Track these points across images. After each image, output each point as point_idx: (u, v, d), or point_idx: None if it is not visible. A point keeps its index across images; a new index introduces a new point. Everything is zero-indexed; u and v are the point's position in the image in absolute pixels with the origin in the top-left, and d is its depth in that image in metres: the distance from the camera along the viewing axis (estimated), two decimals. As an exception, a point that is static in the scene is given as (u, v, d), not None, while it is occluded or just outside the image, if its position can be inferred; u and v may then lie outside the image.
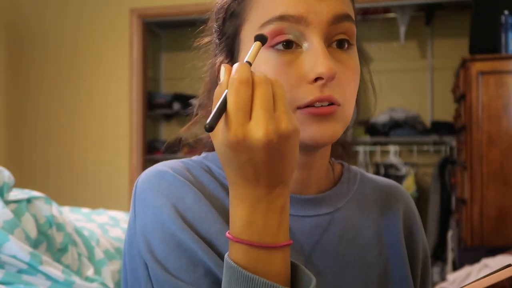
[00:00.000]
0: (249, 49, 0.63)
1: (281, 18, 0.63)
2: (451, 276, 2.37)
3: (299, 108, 0.64)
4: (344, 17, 0.64)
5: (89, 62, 4.06)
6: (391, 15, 4.33)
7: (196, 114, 0.80)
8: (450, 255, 3.69)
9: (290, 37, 0.63)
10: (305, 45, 0.64)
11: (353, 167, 0.82)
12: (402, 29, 4.21)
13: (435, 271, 4.15)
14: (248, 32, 0.66)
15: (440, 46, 4.42)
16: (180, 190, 0.67)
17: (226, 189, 0.70)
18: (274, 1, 0.63)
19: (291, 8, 0.62)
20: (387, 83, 4.52)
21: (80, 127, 4.07)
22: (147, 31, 4.11)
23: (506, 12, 2.89)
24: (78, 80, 4.07)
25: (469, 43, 3.15)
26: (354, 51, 0.67)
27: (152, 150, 4.62)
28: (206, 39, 0.77)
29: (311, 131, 0.63)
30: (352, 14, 0.67)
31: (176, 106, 4.58)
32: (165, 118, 4.99)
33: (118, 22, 3.98)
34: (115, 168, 4.01)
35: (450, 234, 3.78)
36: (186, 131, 0.79)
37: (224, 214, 0.67)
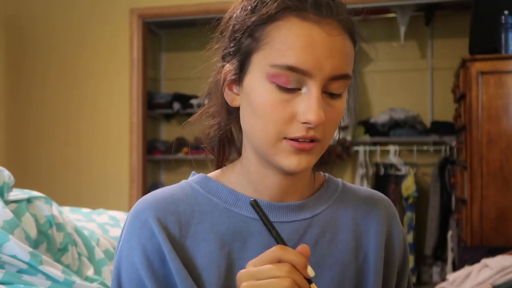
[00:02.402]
0: (257, 76, 0.73)
1: (291, 68, 0.70)
2: (451, 276, 2.37)
3: (285, 138, 0.73)
4: (342, 76, 0.73)
5: (89, 62, 4.05)
6: (391, 15, 4.33)
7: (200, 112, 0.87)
8: (450, 255, 3.69)
9: (291, 85, 0.71)
10: (304, 89, 0.72)
11: (336, 179, 0.89)
12: (402, 29, 4.21)
13: (435, 271, 4.15)
14: (259, 61, 0.73)
15: (440, 46, 4.42)
16: (150, 230, 0.76)
17: (203, 211, 0.80)
18: (289, 49, 0.71)
19: (302, 62, 0.70)
20: (387, 83, 4.52)
21: (79, 126, 4.07)
22: (147, 31, 4.11)
23: (506, 12, 2.88)
24: (77, 80, 4.07)
25: (469, 43, 3.14)
26: (344, 97, 0.77)
27: (152, 150, 4.62)
28: (217, 45, 0.82)
29: (289, 160, 0.74)
30: (351, 70, 0.76)
31: (176, 106, 4.58)
32: (165, 118, 4.99)
33: (118, 22, 3.98)
34: (115, 168, 4.01)
35: (450, 234, 3.78)
36: (196, 118, 0.87)
37: (194, 235, 0.78)
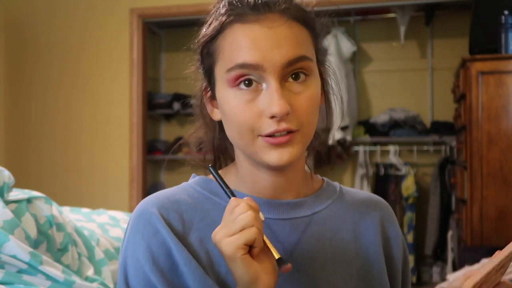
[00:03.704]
0: (221, 87, 0.77)
1: (242, 66, 0.74)
2: (451, 276, 2.37)
3: (260, 135, 0.75)
4: (296, 60, 0.75)
5: (89, 62, 4.05)
6: (391, 15, 4.33)
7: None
8: (450, 255, 3.69)
9: (251, 77, 0.74)
10: (263, 85, 0.75)
11: (334, 182, 0.92)
12: (402, 29, 4.21)
13: (435, 271, 4.15)
14: (219, 72, 0.78)
15: (440, 46, 4.42)
16: (154, 227, 0.78)
17: (204, 210, 0.82)
18: (235, 51, 0.75)
19: (249, 57, 0.73)
20: (387, 83, 4.52)
21: (79, 126, 4.07)
22: (147, 31, 4.11)
23: (506, 12, 2.89)
24: (77, 80, 4.07)
25: (469, 43, 3.14)
26: (311, 81, 0.77)
27: (152, 150, 4.62)
28: (193, 68, 0.88)
29: (271, 156, 0.75)
30: (309, 52, 0.77)
31: (176, 106, 4.58)
32: (165, 118, 4.98)
33: (118, 22, 3.98)
34: (115, 168, 4.01)
35: (450, 234, 3.78)
36: (193, 135, 0.91)
37: (198, 235, 0.79)
